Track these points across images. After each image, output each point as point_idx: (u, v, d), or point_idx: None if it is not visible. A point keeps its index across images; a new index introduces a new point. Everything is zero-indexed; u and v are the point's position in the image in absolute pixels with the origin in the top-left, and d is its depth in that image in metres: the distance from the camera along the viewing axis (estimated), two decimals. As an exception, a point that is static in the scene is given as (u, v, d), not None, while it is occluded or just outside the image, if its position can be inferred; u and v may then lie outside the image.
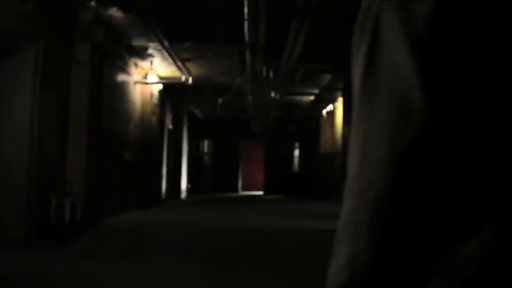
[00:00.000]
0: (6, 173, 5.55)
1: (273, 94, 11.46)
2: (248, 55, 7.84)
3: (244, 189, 19.58)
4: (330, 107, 13.28)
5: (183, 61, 9.38)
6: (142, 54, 9.14)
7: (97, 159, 7.31)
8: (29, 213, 5.65)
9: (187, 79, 10.26)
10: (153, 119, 11.25)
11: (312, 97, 13.10)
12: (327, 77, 10.71)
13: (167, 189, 13.45)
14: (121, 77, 9.03)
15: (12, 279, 4.24)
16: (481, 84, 0.61)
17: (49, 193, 6.08)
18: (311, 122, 16.18)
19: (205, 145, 19.53)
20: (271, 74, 9.64)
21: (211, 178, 19.03)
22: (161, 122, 12.23)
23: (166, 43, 7.91)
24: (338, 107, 12.65)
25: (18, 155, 5.61)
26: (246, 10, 5.55)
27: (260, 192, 18.42)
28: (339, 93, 11.38)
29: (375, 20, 0.64)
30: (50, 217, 6.04)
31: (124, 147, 9.44)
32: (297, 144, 18.98)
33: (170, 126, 13.68)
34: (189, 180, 16.50)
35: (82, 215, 6.59)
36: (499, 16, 0.59)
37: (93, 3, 5.62)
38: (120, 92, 9.09)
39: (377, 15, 0.64)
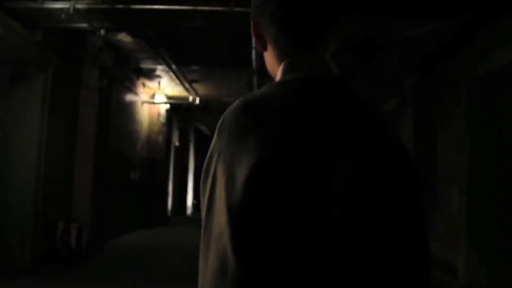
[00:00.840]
0: (13, 199, 5.57)
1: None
2: (255, 80, 7.87)
3: (250, 204, 19.53)
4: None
5: (191, 82, 9.42)
6: (150, 75, 9.20)
7: (104, 182, 7.33)
8: (35, 239, 5.65)
9: (194, 99, 10.29)
10: (160, 138, 11.28)
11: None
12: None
13: (173, 205, 13.44)
14: (129, 97, 9.09)
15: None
16: (283, 254, 0.72)
17: (56, 219, 6.10)
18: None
19: (212, 161, 19.52)
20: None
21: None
22: (168, 140, 12.27)
23: (174, 66, 7.96)
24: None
25: (25, 181, 5.63)
26: (254, 39, 5.58)
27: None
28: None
29: (213, 175, 0.78)
30: (56, 242, 6.05)
31: (131, 167, 9.46)
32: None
33: (177, 143, 13.71)
34: (195, 196, 16.48)
35: (88, 239, 6.59)
36: (294, 209, 0.73)
37: (102, 32, 5.67)
38: (127, 113, 9.14)
39: (214, 171, 0.78)
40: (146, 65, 8.39)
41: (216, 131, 0.83)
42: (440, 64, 6.21)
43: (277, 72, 0.88)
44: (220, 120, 0.83)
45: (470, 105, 5.34)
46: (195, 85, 9.75)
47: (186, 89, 9.76)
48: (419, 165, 6.66)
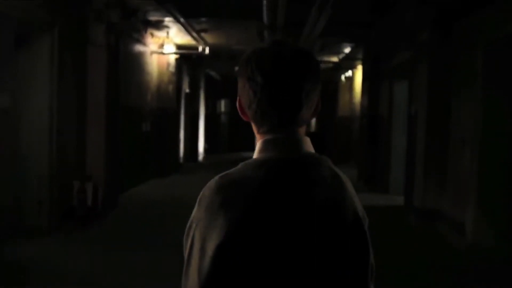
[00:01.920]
0: (27, 163, 5.66)
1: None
2: (266, 33, 7.65)
3: (260, 148, 19.63)
4: (349, 73, 13.03)
5: (199, 32, 9.20)
6: (158, 25, 8.98)
7: (116, 137, 7.38)
8: (52, 200, 5.80)
9: (204, 49, 10.09)
10: (170, 87, 11.20)
11: (331, 65, 12.85)
12: (346, 46, 10.45)
13: (184, 152, 13.60)
14: (137, 49, 8.93)
15: (33, 267, 4.42)
16: None
17: (71, 178, 6.23)
18: (330, 84, 15.92)
19: (222, 105, 19.48)
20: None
21: (228, 137, 19.12)
22: (178, 88, 12.18)
23: (182, 19, 7.74)
24: (357, 73, 12.39)
25: (38, 144, 5.69)
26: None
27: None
28: (359, 62, 11.13)
29: (192, 238, 0.96)
30: (72, 201, 6.21)
31: (142, 119, 9.49)
32: (314, 104, 18.76)
33: (187, 90, 13.63)
34: (206, 140, 16.62)
35: (104, 194, 6.75)
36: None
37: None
38: (136, 66, 9.02)
39: (193, 236, 0.96)
40: (153, 17, 8.18)
41: (197, 202, 0.98)
42: (458, 22, 5.96)
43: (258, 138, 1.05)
44: (201, 194, 0.98)
45: (487, 67, 5.18)
46: (204, 34, 9.53)
47: (195, 39, 9.55)
48: (433, 124, 6.59)
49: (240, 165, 1.00)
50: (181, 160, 13.13)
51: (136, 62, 9.00)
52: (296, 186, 0.96)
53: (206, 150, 16.39)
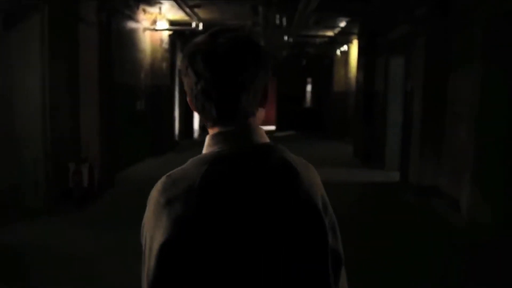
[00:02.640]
0: (21, 145, 5.60)
1: (286, 38, 11.11)
2: (260, 8, 7.50)
3: (256, 124, 19.56)
4: (344, 47, 12.89)
5: (193, 7, 9.03)
6: (150, 1, 8.81)
7: (110, 117, 7.31)
8: (48, 182, 5.78)
9: (197, 25, 9.93)
10: (164, 64, 11.06)
11: (326, 39, 12.69)
12: (342, 20, 10.30)
13: (180, 129, 13.54)
14: (129, 27, 8.77)
15: (30, 249, 4.43)
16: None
17: (66, 160, 6.18)
18: (325, 59, 15.77)
19: (217, 81, 19.29)
20: (284, 21, 9.27)
21: (223, 113, 19.05)
22: (172, 65, 12.03)
23: (175, -5, 7.57)
24: (352, 48, 12.27)
25: (32, 125, 5.63)
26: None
27: (272, 128, 18.48)
28: (355, 36, 10.99)
29: (145, 237, 0.96)
30: (68, 183, 6.18)
31: (136, 98, 9.40)
32: (309, 80, 18.68)
33: (181, 67, 13.46)
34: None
35: (100, 175, 6.72)
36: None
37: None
38: (129, 43, 8.88)
39: (146, 235, 0.96)
40: (145, -8, 7.99)
41: (147, 202, 0.98)
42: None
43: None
44: (149, 196, 0.98)
45: (486, 44, 5.12)
46: (197, 10, 9.35)
47: (188, 15, 9.38)
48: (429, 100, 6.56)
49: (188, 162, 0.98)
50: (177, 138, 13.08)
51: (129, 40, 8.85)
52: (241, 180, 0.93)
53: (201, 127, 16.33)
